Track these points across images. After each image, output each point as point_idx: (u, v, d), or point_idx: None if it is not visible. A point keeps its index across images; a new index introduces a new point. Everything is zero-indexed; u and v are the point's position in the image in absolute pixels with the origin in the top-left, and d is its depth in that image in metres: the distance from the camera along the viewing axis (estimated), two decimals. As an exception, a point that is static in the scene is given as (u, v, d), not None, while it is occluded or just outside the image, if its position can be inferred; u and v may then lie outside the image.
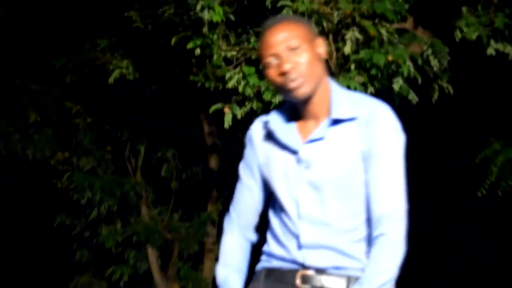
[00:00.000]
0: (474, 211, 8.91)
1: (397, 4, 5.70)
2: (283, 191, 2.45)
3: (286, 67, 2.35)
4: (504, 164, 6.83)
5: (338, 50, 5.96)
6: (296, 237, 2.42)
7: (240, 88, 5.93)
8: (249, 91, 5.89)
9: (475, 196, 6.90)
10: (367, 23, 5.70)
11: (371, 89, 5.81)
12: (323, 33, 5.86)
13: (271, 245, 2.51)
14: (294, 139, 2.44)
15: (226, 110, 5.95)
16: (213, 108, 5.99)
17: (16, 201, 9.75)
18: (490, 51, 6.02)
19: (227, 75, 5.98)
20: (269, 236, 2.55)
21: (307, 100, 2.40)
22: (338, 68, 6.00)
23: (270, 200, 2.57)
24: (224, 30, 6.10)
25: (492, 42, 6.00)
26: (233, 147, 7.56)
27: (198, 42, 5.94)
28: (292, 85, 2.36)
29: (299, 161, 2.41)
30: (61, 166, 8.54)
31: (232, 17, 6.00)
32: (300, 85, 2.36)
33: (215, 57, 6.06)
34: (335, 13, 5.74)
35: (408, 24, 6.24)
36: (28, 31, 8.34)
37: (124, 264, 8.65)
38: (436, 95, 6.29)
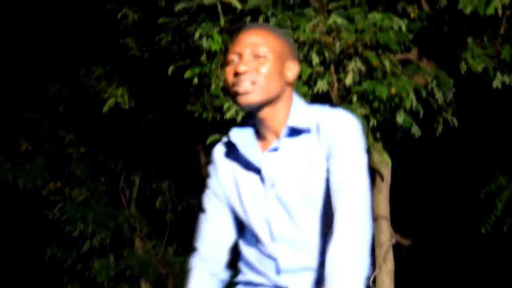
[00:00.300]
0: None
1: (401, 35, 5.61)
2: (253, 213, 2.32)
3: (241, 68, 2.25)
4: (510, 199, 6.68)
5: (339, 81, 5.83)
6: (274, 260, 2.30)
7: (238, 119, 5.81)
8: (247, 122, 5.74)
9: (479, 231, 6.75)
10: (370, 54, 5.59)
11: (373, 121, 5.68)
12: (324, 63, 5.74)
13: (247, 274, 2.37)
14: (256, 154, 2.32)
15: (224, 141, 5.81)
16: (210, 139, 5.85)
17: (6, 232, 9.55)
18: (496, 83, 5.89)
19: (225, 106, 5.87)
20: (242, 266, 2.41)
21: (261, 115, 2.29)
22: (339, 99, 5.87)
23: (240, 228, 2.43)
24: (223, 59, 5.98)
25: (498, 74, 5.87)
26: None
27: (196, 71, 5.85)
28: (239, 89, 2.25)
29: (263, 180, 2.30)
30: (53, 196, 8.43)
31: (231, 46, 5.88)
32: (247, 92, 2.25)
33: (213, 86, 5.96)
34: (337, 43, 5.63)
35: (412, 55, 6.13)
36: (21, 55, 8.26)
37: (116, 298, 8.52)
38: (440, 127, 6.19)
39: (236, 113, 5.86)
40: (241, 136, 2.35)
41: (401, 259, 6.09)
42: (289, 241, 2.28)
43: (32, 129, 8.22)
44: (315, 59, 5.66)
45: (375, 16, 5.63)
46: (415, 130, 5.85)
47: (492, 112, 7.54)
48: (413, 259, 6.37)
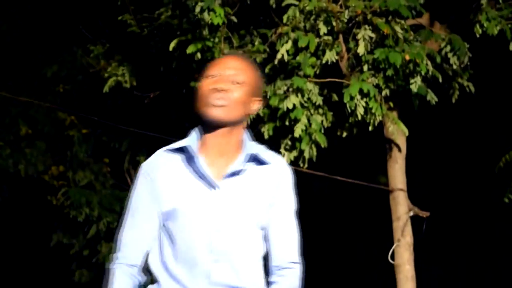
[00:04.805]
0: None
1: (411, 0, 5.39)
2: (196, 225, 2.43)
3: (223, 86, 2.46)
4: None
5: (349, 50, 5.63)
6: (207, 276, 2.42)
7: (245, 94, 5.59)
8: (254, 97, 5.54)
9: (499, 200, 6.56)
10: (379, 21, 5.46)
11: (386, 91, 5.52)
12: (332, 32, 5.55)
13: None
14: (210, 172, 2.47)
15: (230, 117, 5.61)
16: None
17: (8, 220, 9.41)
18: (514, 46, 5.70)
19: (231, 80, 5.65)
20: (162, 278, 2.48)
21: (221, 135, 2.50)
22: (349, 69, 5.66)
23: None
24: (225, 32, 5.89)
25: (515, 36, 5.68)
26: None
27: (199, 46, 5.73)
28: (216, 102, 2.46)
29: (216, 195, 2.45)
30: (55, 181, 8.30)
31: (234, 19, 5.75)
32: (221, 105, 2.46)
33: (217, 61, 5.72)
34: (345, 12, 5.50)
35: (424, 20, 5.99)
36: (16, 37, 8.13)
37: (126, 282, 8.37)
38: (456, 94, 6.03)
39: (242, 88, 5.66)
40: (194, 151, 2.50)
41: (420, 232, 5.93)
42: (226, 259, 2.44)
43: (31, 113, 8.07)
44: (323, 29, 5.60)
45: (384, -19, 5.44)
46: (431, 97, 5.71)
47: (510, 76, 7.34)
48: (432, 231, 6.20)
